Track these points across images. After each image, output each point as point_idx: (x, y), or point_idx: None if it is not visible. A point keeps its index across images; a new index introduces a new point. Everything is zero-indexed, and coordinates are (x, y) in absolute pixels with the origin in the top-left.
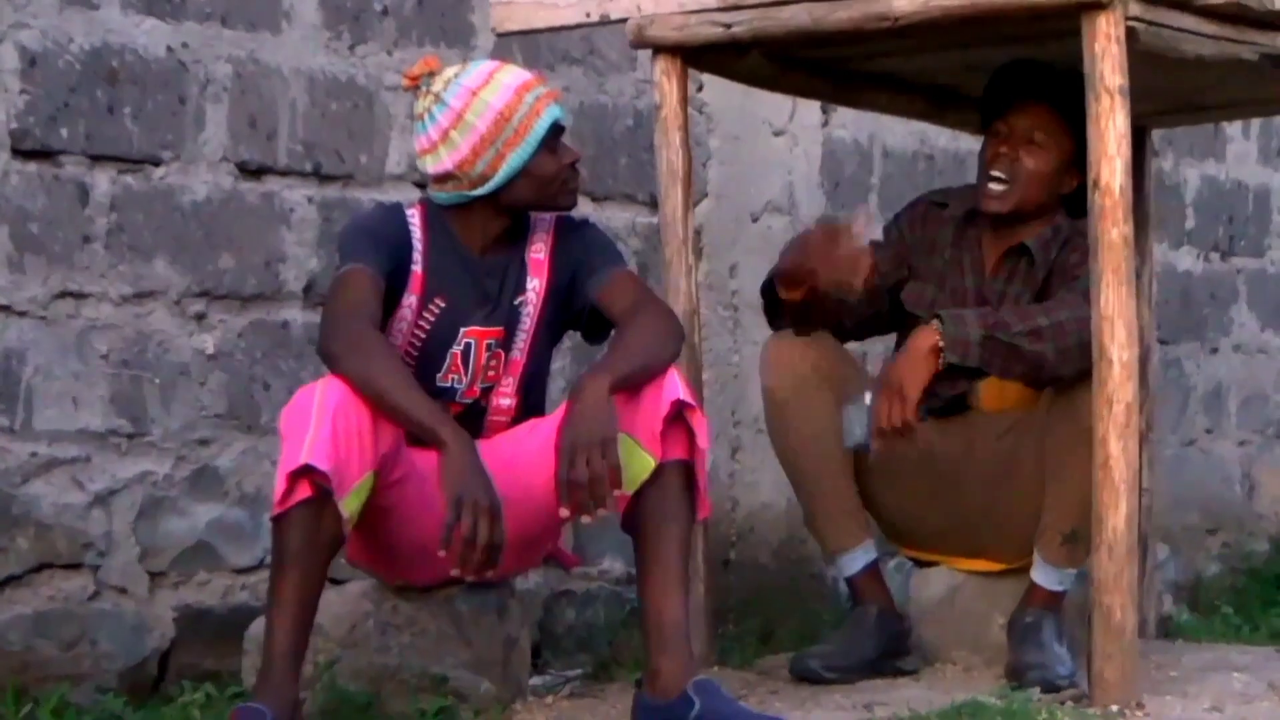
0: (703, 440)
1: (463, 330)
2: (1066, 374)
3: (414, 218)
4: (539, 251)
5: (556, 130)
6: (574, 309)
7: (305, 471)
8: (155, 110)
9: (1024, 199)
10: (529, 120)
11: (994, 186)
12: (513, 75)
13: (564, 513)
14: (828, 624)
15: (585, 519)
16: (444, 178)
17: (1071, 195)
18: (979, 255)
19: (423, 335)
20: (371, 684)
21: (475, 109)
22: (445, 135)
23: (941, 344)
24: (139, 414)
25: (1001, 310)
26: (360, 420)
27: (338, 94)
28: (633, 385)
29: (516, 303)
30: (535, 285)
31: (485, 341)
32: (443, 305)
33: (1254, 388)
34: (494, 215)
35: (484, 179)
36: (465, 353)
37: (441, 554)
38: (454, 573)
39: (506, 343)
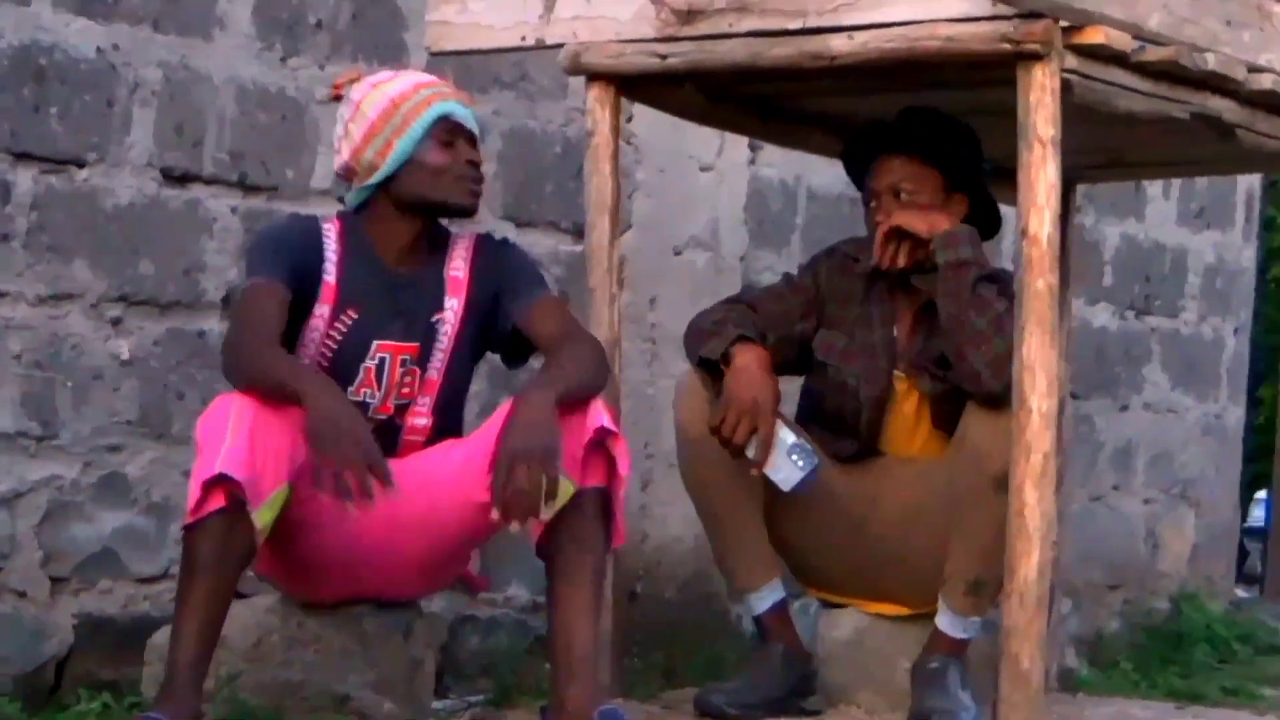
0: (624, 467)
1: (375, 343)
2: (988, 364)
3: (330, 230)
4: (458, 270)
5: (451, 126)
6: (495, 331)
7: (220, 480)
8: (82, 111)
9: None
10: (418, 109)
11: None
12: (416, 75)
13: (495, 516)
14: (732, 661)
15: (515, 528)
16: (346, 173)
17: (970, 221)
18: (890, 309)
19: (334, 346)
20: (274, 700)
21: (372, 99)
22: (346, 129)
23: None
24: (49, 417)
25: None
26: (278, 431)
27: (267, 105)
28: (570, 405)
29: (434, 320)
30: (454, 304)
31: (400, 357)
32: (355, 317)
33: (1162, 447)
34: (401, 217)
35: (373, 167)
36: (379, 368)
37: (318, 491)
38: (350, 509)
39: (422, 360)
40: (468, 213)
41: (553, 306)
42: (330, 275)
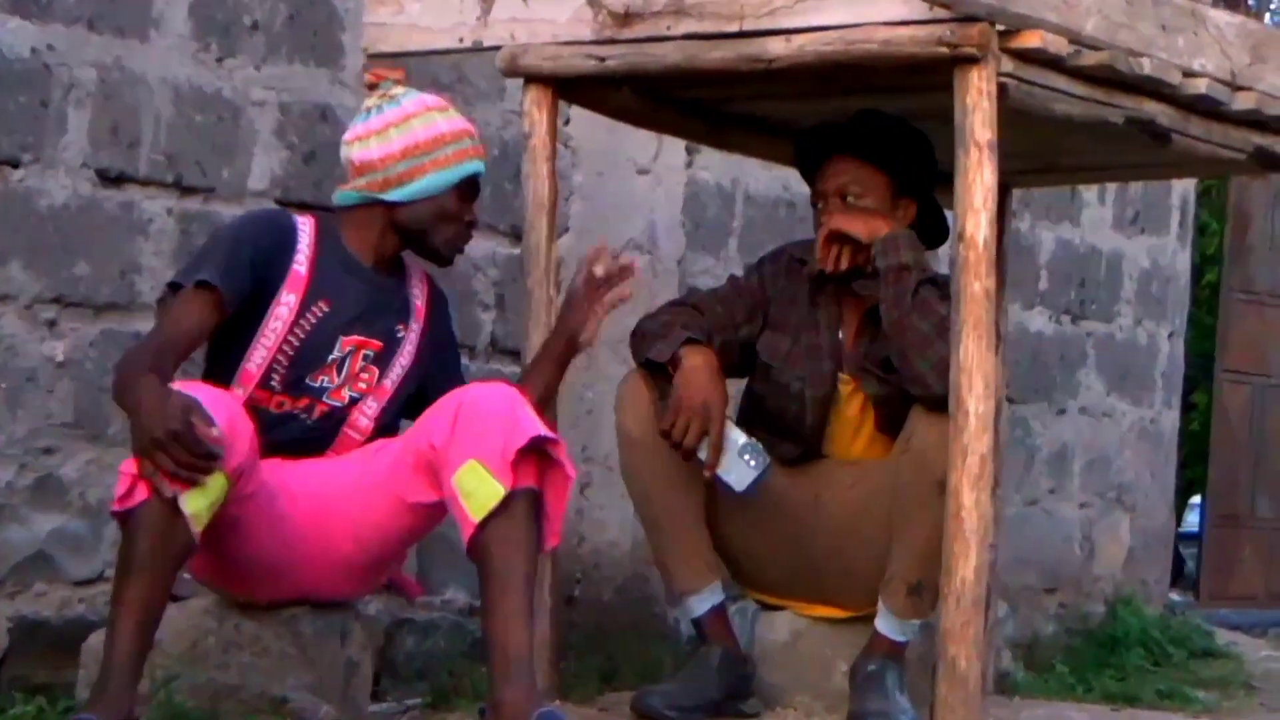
0: (570, 471)
1: (342, 339)
2: (933, 367)
3: (305, 225)
4: (418, 297)
5: (475, 183)
6: (421, 385)
7: None
8: (16, 111)
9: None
10: (460, 156)
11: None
12: (464, 119)
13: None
14: (669, 664)
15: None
16: (362, 169)
17: (918, 227)
18: (836, 312)
19: (301, 336)
20: (210, 702)
21: (424, 120)
22: (385, 129)
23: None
24: None
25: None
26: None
27: (203, 106)
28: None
29: (398, 330)
30: (415, 328)
31: (363, 351)
32: (326, 310)
33: (1098, 451)
34: (387, 232)
35: (400, 182)
36: (342, 360)
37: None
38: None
39: (381, 362)
40: (445, 264)
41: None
42: (301, 266)
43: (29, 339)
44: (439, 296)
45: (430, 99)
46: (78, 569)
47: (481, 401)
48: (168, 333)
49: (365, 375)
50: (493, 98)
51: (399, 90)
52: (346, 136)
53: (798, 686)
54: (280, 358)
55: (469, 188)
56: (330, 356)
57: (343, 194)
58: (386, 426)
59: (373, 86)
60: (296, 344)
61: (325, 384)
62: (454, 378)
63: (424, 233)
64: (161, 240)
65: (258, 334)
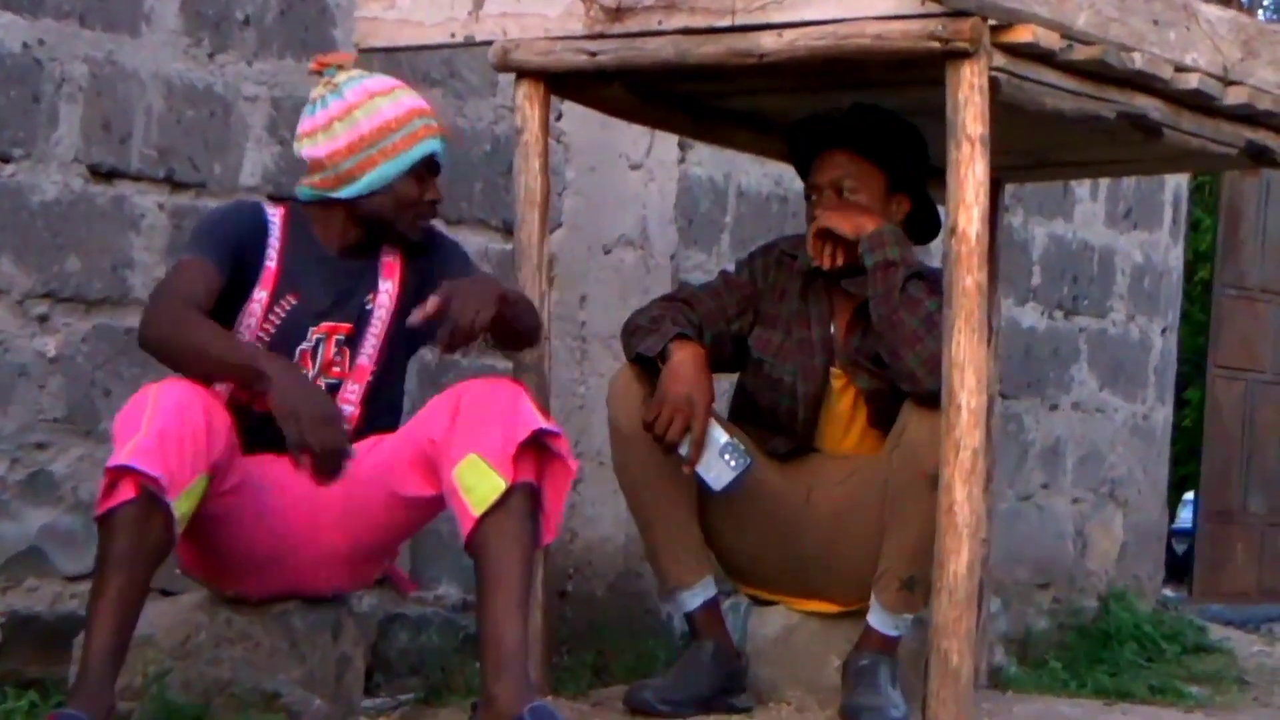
0: (573, 465)
1: (312, 329)
2: (923, 363)
3: (275, 216)
4: (390, 255)
5: (430, 163)
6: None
7: (129, 471)
8: (8, 107)
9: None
10: (410, 140)
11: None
12: (412, 97)
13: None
14: (662, 659)
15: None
16: (313, 166)
17: (911, 222)
18: (827, 307)
19: (271, 331)
20: (202, 697)
21: (367, 109)
22: (329, 124)
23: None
24: None
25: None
26: (193, 422)
27: (195, 101)
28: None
29: (366, 302)
30: (388, 288)
31: (334, 337)
32: (294, 303)
33: (1090, 446)
34: (348, 223)
35: (350, 178)
36: (314, 349)
37: (298, 470)
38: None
39: (354, 342)
40: (414, 242)
41: (489, 277)
42: (272, 262)
43: (20, 334)
44: (426, 246)
45: (374, 83)
46: (69, 564)
47: (482, 395)
48: (190, 289)
49: (338, 359)
50: (484, 93)
51: (341, 78)
52: (297, 132)
53: (790, 681)
54: None
55: (425, 169)
56: (301, 347)
57: (301, 190)
58: (383, 402)
59: (318, 73)
60: (267, 340)
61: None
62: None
63: (385, 222)
64: (153, 235)
65: (233, 331)
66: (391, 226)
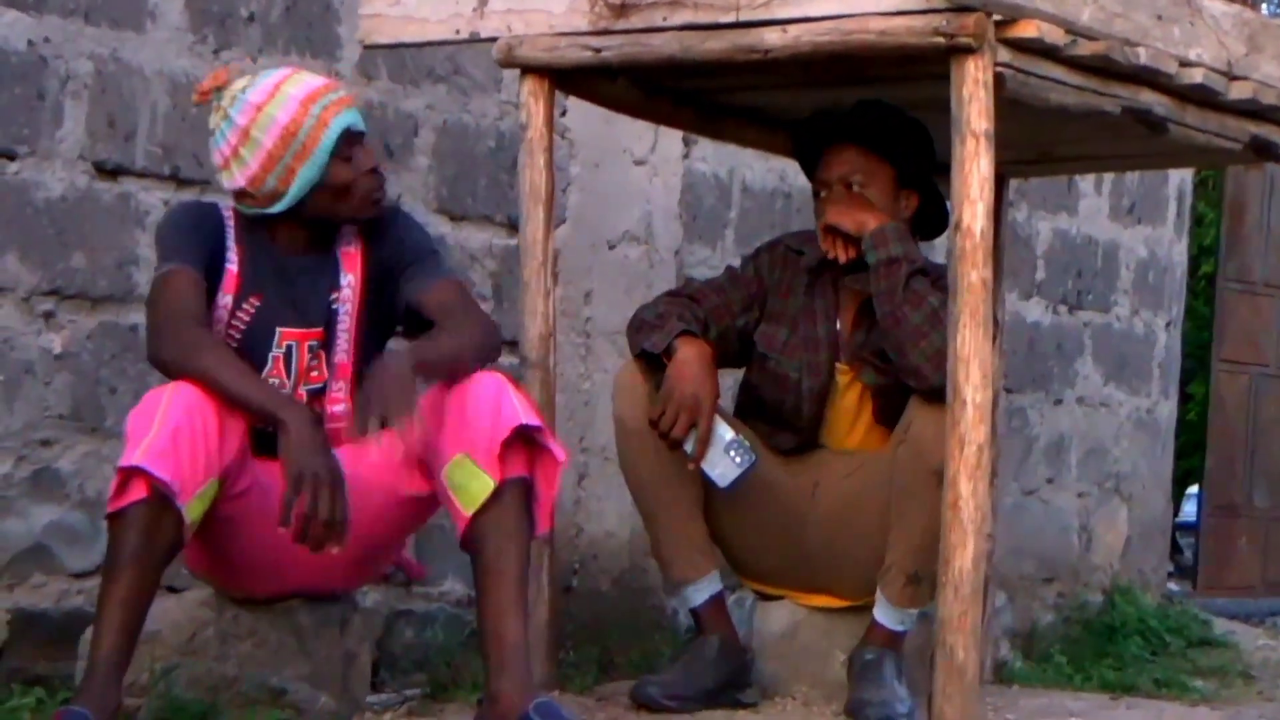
0: (560, 454)
1: (279, 330)
2: (928, 359)
3: (230, 218)
4: (350, 244)
5: (349, 138)
6: (395, 307)
7: (139, 472)
8: (12, 104)
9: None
10: (316, 132)
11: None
12: (298, 86)
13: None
14: (667, 654)
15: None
16: (240, 194)
17: (919, 218)
18: (833, 302)
19: (238, 334)
20: (209, 693)
21: (260, 125)
22: (235, 152)
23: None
24: None
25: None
26: (206, 425)
27: None
28: (438, 374)
29: (331, 300)
30: (350, 280)
31: (307, 344)
32: (257, 304)
33: (1095, 440)
34: (299, 227)
35: (278, 195)
36: (287, 356)
37: (282, 530)
38: (311, 549)
39: (328, 343)
40: (370, 218)
41: (448, 286)
42: (233, 264)
43: (26, 331)
44: (382, 224)
45: (256, 94)
46: (75, 561)
47: (467, 392)
48: (194, 308)
49: (315, 365)
50: (489, 89)
51: (227, 100)
52: (214, 165)
53: (796, 676)
54: None
55: (348, 146)
56: (272, 352)
57: (242, 209)
58: None
59: (204, 102)
60: (236, 343)
61: (276, 384)
62: (422, 278)
63: (333, 215)
64: None
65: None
66: (339, 216)
